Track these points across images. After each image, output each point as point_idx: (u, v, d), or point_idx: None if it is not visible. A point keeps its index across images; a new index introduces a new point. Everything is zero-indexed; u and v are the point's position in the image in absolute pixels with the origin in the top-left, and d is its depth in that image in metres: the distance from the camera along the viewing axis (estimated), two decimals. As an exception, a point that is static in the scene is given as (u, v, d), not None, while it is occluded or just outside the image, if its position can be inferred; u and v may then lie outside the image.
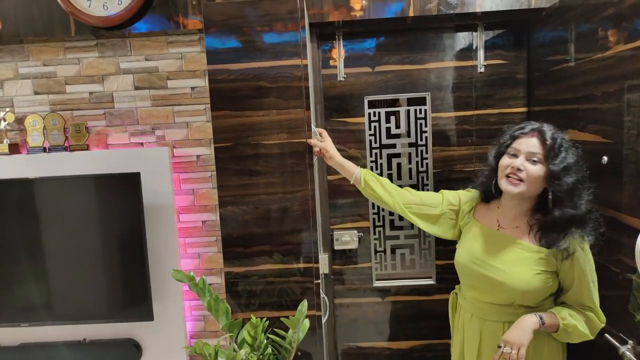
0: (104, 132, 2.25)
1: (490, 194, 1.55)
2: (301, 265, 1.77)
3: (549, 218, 1.39)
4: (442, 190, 1.76)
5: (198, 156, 2.20)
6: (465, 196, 1.67)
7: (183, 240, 2.26)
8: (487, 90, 2.31)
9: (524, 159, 1.39)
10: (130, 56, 2.19)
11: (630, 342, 1.46)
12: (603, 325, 1.47)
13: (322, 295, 1.82)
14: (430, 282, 2.45)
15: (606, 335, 1.51)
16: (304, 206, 1.75)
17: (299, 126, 1.72)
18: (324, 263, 2.29)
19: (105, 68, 2.22)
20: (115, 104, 2.24)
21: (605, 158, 1.56)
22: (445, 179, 2.36)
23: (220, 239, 1.84)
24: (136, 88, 2.22)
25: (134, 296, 2.09)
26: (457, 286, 1.76)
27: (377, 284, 2.47)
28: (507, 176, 1.41)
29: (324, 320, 1.84)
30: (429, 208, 1.68)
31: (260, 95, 1.71)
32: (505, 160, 1.44)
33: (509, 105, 2.31)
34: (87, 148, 2.23)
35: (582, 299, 1.44)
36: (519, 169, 1.38)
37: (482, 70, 2.29)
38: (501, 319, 1.50)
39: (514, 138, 1.45)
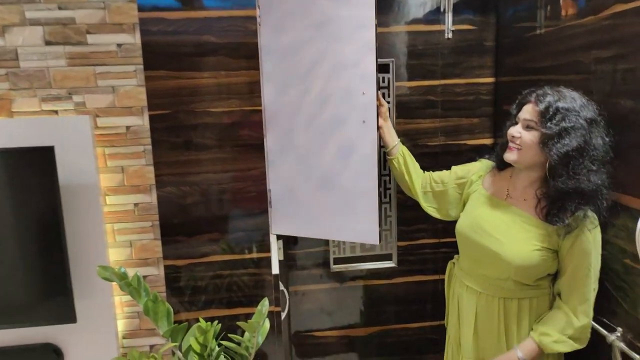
0: (8, 97, 1.84)
1: (504, 163, 1.45)
2: (255, 255, 1.52)
3: (551, 189, 1.31)
4: (452, 167, 1.70)
5: (128, 127, 1.85)
6: (475, 167, 1.62)
7: (111, 227, 1.92)
8: (454, 58, 2.13)
9: (521, 126, 1.33)
10: (38, 4, 1.78)
11: (619, 329, 1.36)
12: (588, 329, 1.36)
13: (282, 287, 1.58)
14: (391, 264, 2.29)
15: (593, 323, 1.40)
16: (260, 186, 1.49)
17: (253, 91, 1.44)
18: (278, 248, 2.05)
19: (6, 17, 1.79)
20: (21, 63, 1.83)
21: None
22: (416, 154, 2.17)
23: (158, 224, 1.53)
24: (47, 43, 1.82)
25: (51, 294, 1.74)
26: (455, 256, 1.64)
27: (335, 268, 2.27)
28: (507, 144, 1.36)
29: (283, 315, 1.61)
30: (437, 185, 1.68)
31: (206, 53, 1.41)
32: (509, 130, 1.37)
33: (476, 75, 2.15)
34: (-14, 116, 1.82)
35: (574, 289, 1.33)
36: (514, 137, 1.33)
37: (450, 36, 2.10)
38: (496, 294, 1.43)
39: (521, 105, 1.38)
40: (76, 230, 1.82)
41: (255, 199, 1.49)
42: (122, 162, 1.91)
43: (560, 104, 1.30)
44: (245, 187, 1.47)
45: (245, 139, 1.46)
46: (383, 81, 2.18)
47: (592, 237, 1.29)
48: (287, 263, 2.21)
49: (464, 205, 1.60)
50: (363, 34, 1.87)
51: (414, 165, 1.73)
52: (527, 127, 1.32)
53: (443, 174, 1.68)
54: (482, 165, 1.59)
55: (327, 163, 1.84)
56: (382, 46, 2.08)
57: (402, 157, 1.74)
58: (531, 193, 1.38)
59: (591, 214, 1.28)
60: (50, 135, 1.76)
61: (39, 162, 1.66)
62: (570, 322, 1.34)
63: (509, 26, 2.01)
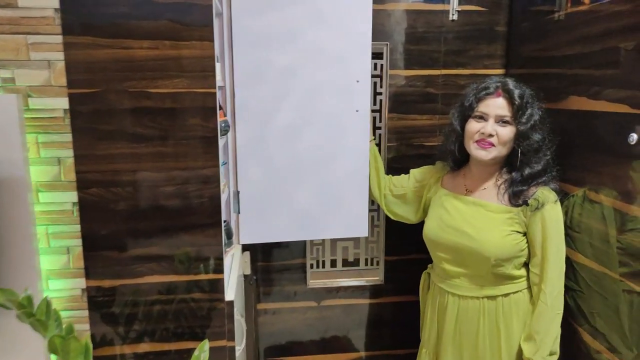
0: None
1: (458, 161, 1.51)
2: (205, 277, 1.21)
3: (517, 177, 1.36)
4: (411, 170, 1.71)
5: (66, 110, 1.52)
6: (432, 170, 1.65)
7: (44, 229, 1.59)
8: (458, 44, 1.82)
9: (493, 122, 1.35)
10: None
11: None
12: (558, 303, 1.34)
13: (237, 317, 1.27)
14: (378, 281, 1.98)
15: None
16: (212, 190, 1.17)
17: (205, 68, 1.12)
18: (244, 261, 1.73)
19: None
20: None
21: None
22: (401, 156, 1.88)
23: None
24: (-34, 4, 1.48)
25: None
26: (429, 266, 1.63)
27: (312, 284, 1.96)
28: (477, 142, 1.36)
29: (238, 350, 1.30)
30: (396, 188, 1.69)
31: (146, 16, 1.08)
32: (473, 125, 1.38)
33: (484, 65, 1.84)
34: None
35: (545, 265, 1.33)
36: (490, 135, 1.34)
37: (455, 17, 1.79)
38: (480, 294, 1.42)
39: (479, 100, 1.39)
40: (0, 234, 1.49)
41: (207, 206, 1.17)
42: (59, 153, 1.56)
43: (529, 93, 1.35)
44: (194, 190, 1.15)
45: (195, 129, 1.13)
46: (375, 68, 1.87)
47: (557, 208, 1.33)
48: (257, 277, 1.90)
49: (424, 210, 1.61)
50: (356, 14, 1.57)
51: (381, 167, 1.71)
52: (502, 123, 1.34)
53: (402, 177, 1.70)
54: (440, 167, 1.61)
55: (312, 156, 1.64)
56: (376, 27, 1.76)
57: (372, 155, 1.68)
58: (490, 182, 1.42)
59: (551, 190, 1.34)
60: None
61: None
62: (545, 303, 1.33)
63: (525, 8, 1.71)
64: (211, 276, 1.21)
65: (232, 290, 1.28)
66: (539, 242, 1.33)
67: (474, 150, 1.38)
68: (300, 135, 1.62)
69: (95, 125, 1.12)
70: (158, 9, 1.08)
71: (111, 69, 1.09)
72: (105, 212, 1.15)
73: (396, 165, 1.86)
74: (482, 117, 1.37)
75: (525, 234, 1.37)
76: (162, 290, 1.20)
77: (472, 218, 1.41)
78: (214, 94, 1.14)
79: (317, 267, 1.98)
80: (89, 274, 1.18)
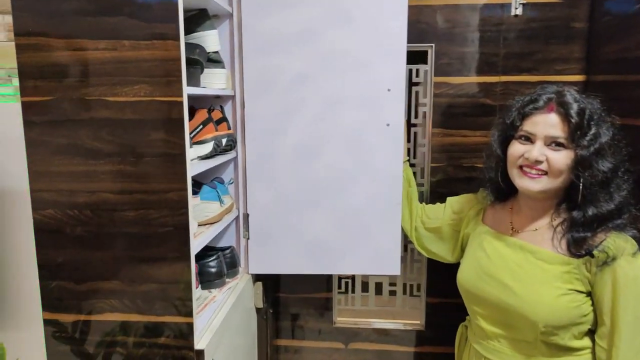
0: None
1: (502, 192, 1.20)
2: (172, 319, 1.01)
3: (578, 217, 1.03)
4: (448, 198, 1.41)
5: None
6: (472, 200, 1.34)
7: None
8: (522, 46, 1.48)
9: (542, 144, 1.05)
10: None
11: None
12: None
13: (211, 370, 1.06)
14: (417, 326, 1.67)
15: None
16: (179, 217, 0.98)
17: (169, 72, 0.94)
18: (256, 293, 1.53)
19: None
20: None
21: None
22: (448, 179, 1.56)
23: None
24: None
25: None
26: (467, 317, 1.30)
27: (340, 322, 1.70)
28: (522, 168, 1.07)
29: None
30: (430, 220, 1.40)
31: (101, 11, 0.93)
32: (516, 148, 1.09)
33: (556, 71, 1.48)
34: None
35: (615, 339, 0.97)
36: (537, 160, 1.04)
37: (519, 11, 1.46)
38: None
39: (524, 116, 1.09)
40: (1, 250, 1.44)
41: (172, 237, 0.97)
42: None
43: (594, 107, 1.04)
44: (159, 217, 0.97)
45: (159, 145, 0.95)
46: (417, 75, 1.58)
47: (636, 264, 0.98)
48: (276, 309, 1.69)
49: (462, 249, 1.32)
50: (388, 9, 1.32)
51: (414, 193, 1.44)
52: (555, 145, 1.03)
53: (437, 207, 1.41)
54: (481, 197, 1.29)
55: (334, 177, 1.41)
56: (418, 25, 1.48)
57: (406, 179, 1.42)
58: (544, 221, 1.10)
59: (628, 237, 1.00)
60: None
61: None
62: None
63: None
64: (178, 319, 1.02)
65: (208, 336, 1.07)
66: (607, 308, 0.99)
67: (518, 179, 1.08)
68: (317, 153, 1.39)
69: (50, 139, 0.98)
70: (115, 2, 0.92)
71: (65, 73, 0.95)
72: (61, 237, 1.01)
73: (441, 191, 1.55)
74: (529, 139, 1.07)
75: (589, 294, 1.03)
76: (123, 331, 1.03)
77: (518, 267, 1.09)
78: (181, 103, 0.95)
79: (346, 303, 1.72)
80: (46, 306, 1.03)
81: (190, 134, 1.22)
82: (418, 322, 1.68)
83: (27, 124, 0.98)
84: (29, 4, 0.93)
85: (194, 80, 1.17)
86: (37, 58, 0.95)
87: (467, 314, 1.27)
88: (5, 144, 1.30)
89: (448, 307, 1.60)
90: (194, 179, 1.36)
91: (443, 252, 1.37)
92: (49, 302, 1.03)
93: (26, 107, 0.97)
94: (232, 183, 1.43)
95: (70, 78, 0.95)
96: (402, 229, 1.42)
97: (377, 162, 1.39)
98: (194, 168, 1.09)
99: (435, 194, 1.56)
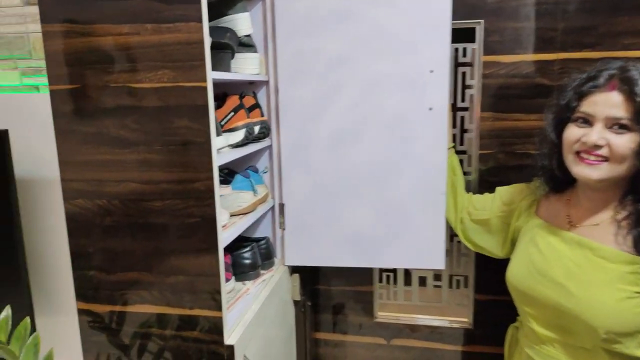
0: (-12, 70, 1.56)
1: (558, 181, 1.07)
2: (200, 313, 0.98)
3: None
4: (497, 188, 1.30)
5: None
6: (525, 190, 1.22)
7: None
8: (584, 18, 1.32)
9: (602, 127, 0.92)
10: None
11: None
12: None
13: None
14: (465, 324, 1.57)
15: None
16: (206, 208, 0.94)
17: (193, 56, 0.89)
18: (294, 285, 1.48)
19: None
20: (1, 28, 1.53)
21: None
22: (498, 167, 1.44)
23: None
24: (28, 3, 1.49)
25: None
26: (518, 318, 1.20)
27: (381, 317, 1.63)
28: (578, 154, 0.95)
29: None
30: (477, 212, 1.29)
31: (126, -6, 0.89)
32: (573, 132, 0.97)
33: (623, 46, 1.32)
34: (-36, 92, 1.55)
35: None
36: (596, 145, 0.92)
37: (580, -21, 1.31)
38: None
39: (582, 95, 0.96)
40: (36, 241, 1.48)
41: (200, 228, 0.94)
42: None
43: None
44: (185, 207, 0.93)
45: (183, 133, 0.91)
46: (464, 55, 1.46)
47: None
48: (316, 302, 1.64)
49: (513, 243, 1.21)
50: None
51: (460, 182, 1.33)
52: (618, 128, 0.91)
53: (485, 197, 1.30)
54: (534, 187, 1.17)
55: (374, 165, 1.33)
56: (464, 0, 1.37)
57: (450, 167, 1.32)
58: (606, 214, 0.98)
59: None
60: (11, 116, 1.42)
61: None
62: None
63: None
64: (207, 313, 0.98)
65: (239, 330, 1.03)
66: None
67: (574, 166, 0.96)
68: (356, 140, 1.32)
69: (78, 127, 0.96)
70: (136, -16, 0.88)
71: (89, 60, 0.93)
72: (92, 227, 1.00)
73: (491, 180, 1.43)
74: (587, 121, 0.94)
75: None
76: (154, 324, 1.01)
77: (575, 265, 0.97)
78: (204, 88, 0.90)
79: (388, 297, 1.65)
80: (80, 296, 1.03)
81: (220, 121, 1.18)
82: (465, 319, 1.57)
83: (56, 113, 0.97)
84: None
85: (224, 66, 1.13)
86: (62, 46, 0.93)
87: (519, 314, 1.16)
88: (46, 134, 1.31)
89: (499, 305, 1.48)
90: (227, 167, 1.32)
91: (491, 246, 1.26)
92: (82, 292, 1.03)
93: (54, 96, 0.96)
94: (266, 172, 1.39)
95: (94, 65, 0.93)
96: (447, 221, 1.33)
97: (420, 149, 1.30)
98: (224, 157, 1.05)
99: (484, 183, 1.44)
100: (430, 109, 1.28)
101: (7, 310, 0.94)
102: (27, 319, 0.99)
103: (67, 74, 0.94)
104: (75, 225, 1.01)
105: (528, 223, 1.13)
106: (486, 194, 1.30)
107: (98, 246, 1.01)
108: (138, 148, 0.95)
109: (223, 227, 1.06)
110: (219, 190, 1.01)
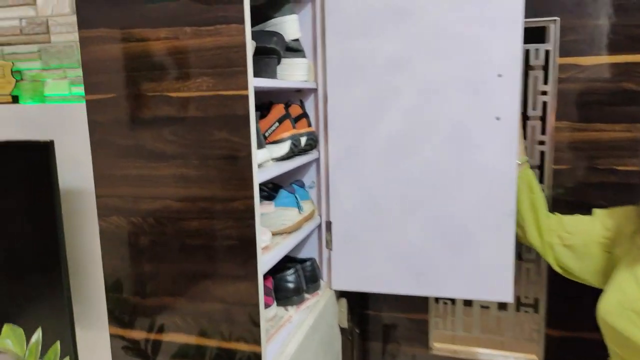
0: (39, 79, 1.55)
1: None
2: (236, 346, 0.89)
3: None
4: (596, 210, 1.13)
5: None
6: (631, 214, 1.05)
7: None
8: (685, 12, 1.14)
9: None
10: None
11: None
12: None
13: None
14: (531, 361, 1.40)
15: None
16: (246, 229, 0.84)
17: (233, 62, 0.81)
18: (341, 311, 1.37)
19: (33, -18, 1.50)
20: (52, 37, 1.52)
21: None
22: (578, 185, 1.27)
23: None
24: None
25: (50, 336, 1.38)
26: None
27: (438, 349, 1.48)
28: None
29: None
30: (572, 237, 1.12)
31: (164, -4, 0.82)
32: None
33: None
34: (15, 101, 1.55)
35: None
36: None
37: (680, -33, 1.13)
38: None
39: None
40: (78, 254, 1.44)
41: (238, 252, 0.85)
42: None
43: None
44: (223, 228, 0.84)
45: (223, 146, 0.82)
46: (536, 57, 1.30)
47: None
48: (364, 329, 1.51)
49: (609, 271, 1.03)
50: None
51: (540, 201, 1.17)
52: None
53: (581, 219, 1.13)
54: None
55: (432, 180, 1.20)
56: (537, -5, 1.21)
57: (526, 184, 1.17)
58: None
59: None
60: (58, 127, 1.40)
61: (34, 160, 1.29)
62: None
63: None
64: (245, 347, 0.88)
65: (281, 364, 0.93)
66: None
67: None
68: (412, 151, 1.19)
69: (113, 139, 0.90)
70: (175, -16, 0.80)
71: (126, 68, 0.86)
72: (126, 247, 0.93)
73: (569, 199, 1.27)
74: None
75: None
76: (188, 355, 0.92)
77: None
78: (246, 97, 0.81)
79: (445, 327, 1.49)
80: (110, 318, 0.96)
81: (264, 132, 1.09)
82: (534, 356, 1.40)
83: (91, 123, 0.91)
84: (90, -7, 0.85)
85: (269, 72, 1.04)
86: (98, 52, 0.87)
87: (607, 354, 0.99)
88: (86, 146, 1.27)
89: (576, 343, 1.30)
90: (271, 182, 1.23)
91: (587, 275, 1.10)
92: (114, 316, 0.96)
93: (90, 106, 0.90)
94: (313, 187, 1.28)
95: (131, 73, 0.86)
96: (528, 244, 1.17)
97: (484, 163, 1.15)
98: (267, 171, 0.96)
99: (559, 203, 1.27)
100: (498, 118, 1.13)
101: (38, 334, 0.88)
102: (57, 344, 0.93)
103: (103, 83, 0.88)
104: (109, 245, 0.94)
105: (630, 252, 0.96)
106: (579, 216, 1.13)
107: (131, 268, 0.93)
108: (175, 162, 0.87)
109: (264, 248, 0.97)
110: (261, 208, 0.92)
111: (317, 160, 1.27)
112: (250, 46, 0.80)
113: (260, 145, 0.91)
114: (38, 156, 1.27)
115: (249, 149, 0.82)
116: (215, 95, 0.82)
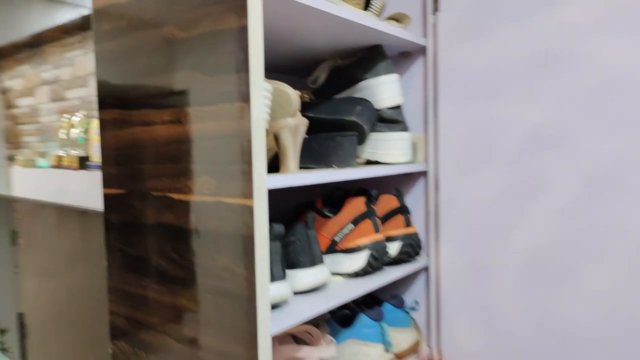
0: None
1: None
2: None
3: None
4: None
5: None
6: None
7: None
8: None
9: None
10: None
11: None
12: None
13: None
14: None
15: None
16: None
17: (235, 158, 0.54)
18: None
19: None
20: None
21: None
22: None
23: None
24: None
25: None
26: None
27: None
28: None
29: None
30: None
31: (164, 69, 0.62)
32: None
33: None
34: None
35: None
36: None
37: None
38: None
39: None
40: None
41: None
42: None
43: None
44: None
45: (224, 277, 0.56)
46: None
47: None
48: None
49: None
50: None
51: None
52: None
53: None
54: None
55: (604, 323, 0.74)
56: None
57: None
58: None
59: None
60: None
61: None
62: None
63: None
64: None
65: None
66: None
67: None
68: (569, 269, 0.74)
69: (124, 247, 0.71)
70: (178, 39, 0.59)
71: (135, 158, 0.67)
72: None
73: None
74: None
75: None
76: None
77: None
78: (251, 209, 0.53)
79: None
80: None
81: (334, 236, 0.78)
82: None
83: (107, 224, 0.73)
84: (111, 66, 0.69)
85: (342, 155, 0.74)
86: (114, 137, 0.70)
87: None
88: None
89: None
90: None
91: None
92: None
93: (106, 204, 0.73)
94: (415, 309, 0.91)
95: (139, 165, 0.67)
96: None
97: None
98: (332, 299, 0.65)
99: None
100: None
101: None
102: None
103: (116, 176, 0.71)
104: (119, 375, 0.74)
105: None
106: None
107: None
108: (175, 289, 0.63)
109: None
110: (310, 353, 0.61)
111: (426, 270, 0.91)
112: (260, 133, 0.53)
113: (280, 276, 0.61)
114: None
115: (253, 286, 0.53)
116: (217, 203, 0.57)
